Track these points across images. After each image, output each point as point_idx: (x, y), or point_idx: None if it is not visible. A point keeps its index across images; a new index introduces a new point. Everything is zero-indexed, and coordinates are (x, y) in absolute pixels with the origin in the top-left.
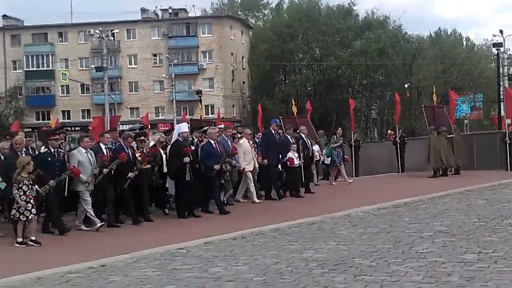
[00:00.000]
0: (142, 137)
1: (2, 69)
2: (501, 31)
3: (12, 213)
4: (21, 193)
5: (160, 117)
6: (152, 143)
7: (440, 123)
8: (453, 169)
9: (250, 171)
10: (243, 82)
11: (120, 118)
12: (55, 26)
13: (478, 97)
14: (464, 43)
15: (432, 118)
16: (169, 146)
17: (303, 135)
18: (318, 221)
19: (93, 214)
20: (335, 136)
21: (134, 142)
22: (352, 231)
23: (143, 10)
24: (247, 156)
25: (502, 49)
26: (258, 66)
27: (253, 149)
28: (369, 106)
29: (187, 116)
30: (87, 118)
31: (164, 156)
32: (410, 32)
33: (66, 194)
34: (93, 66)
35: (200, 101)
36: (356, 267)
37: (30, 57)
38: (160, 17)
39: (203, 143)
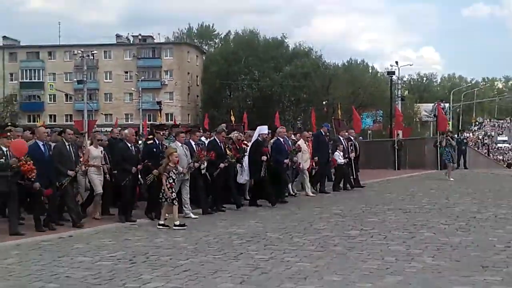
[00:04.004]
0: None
1: (1, 80)
2: (396, 62)
3: (159, 196)
4: (171, 181)
5: (129, 122)
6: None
7: None
8: None
9: (306, 169)
10: (197, 96)
11: (96, 122)
12: (46, 47)
13: (379, 113)
14: (370, 70)
15: (338, 128)
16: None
17: (352, 138)
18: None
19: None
20: (450, 138)
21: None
22: (270, 212)
23: (118, 36)
24: (304, 155)
25: (395, 76)
26: (209, 84)
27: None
28: (295, 117)
29: (148, 122)
30: (70, 121)
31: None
32: (328, 60)
33: None
34: (75, 79)
35: (160, 110)
36: (267, 239)
37: (24, 71)
38: (131, 42)
39: (274, 139)
